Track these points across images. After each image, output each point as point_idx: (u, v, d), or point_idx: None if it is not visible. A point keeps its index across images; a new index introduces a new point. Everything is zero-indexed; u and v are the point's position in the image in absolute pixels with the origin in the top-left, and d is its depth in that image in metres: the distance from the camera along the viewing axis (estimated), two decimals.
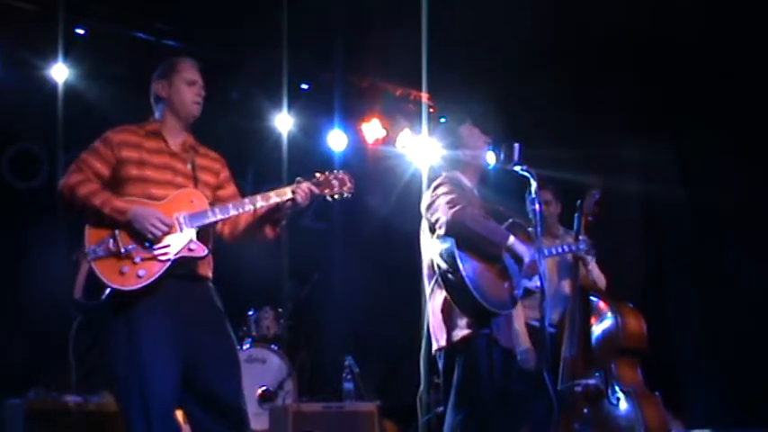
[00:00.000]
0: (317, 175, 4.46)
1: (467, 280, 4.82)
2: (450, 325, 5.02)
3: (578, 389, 5.90)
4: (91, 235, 4.19)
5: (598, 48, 7.86)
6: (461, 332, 4.97)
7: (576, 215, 6.15)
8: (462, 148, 5.29)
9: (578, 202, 6.19)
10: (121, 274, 4.13)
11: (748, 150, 7.64)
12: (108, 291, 4.14)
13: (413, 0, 7.03)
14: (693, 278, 8.21)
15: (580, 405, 5.90)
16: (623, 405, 5.86)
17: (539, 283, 4.99)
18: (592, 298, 6.18)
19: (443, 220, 4.90)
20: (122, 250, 4.14)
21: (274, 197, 4.39)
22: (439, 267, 4.96)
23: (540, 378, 4.92)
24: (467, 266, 4.85)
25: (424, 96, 9.20)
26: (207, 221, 4.32)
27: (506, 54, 7.89)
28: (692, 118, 8.11)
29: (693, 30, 7.43)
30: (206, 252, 4.32)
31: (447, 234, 4.89)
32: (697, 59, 7.75)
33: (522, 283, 5.09)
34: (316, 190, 4.42)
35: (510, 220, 5.21)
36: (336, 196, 4.48)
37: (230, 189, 4.60)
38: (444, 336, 5.04)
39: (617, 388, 5.91)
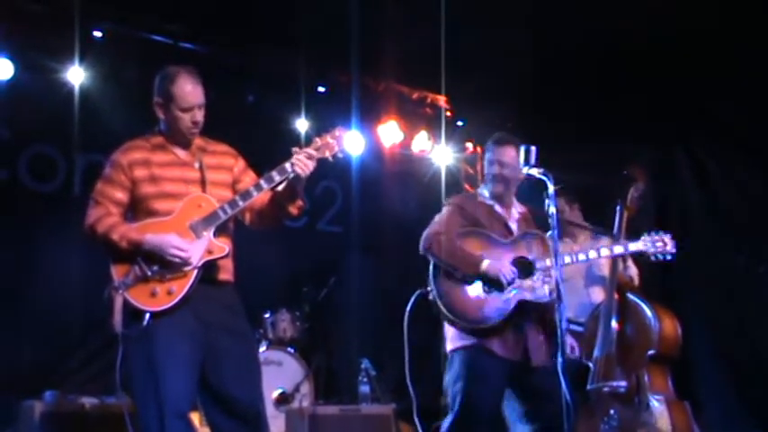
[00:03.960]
0: (317, 139, 4.50)
1: (438, 299, 5.15)
2: (448, 336, 5.32)
3: (606, 390, 5.83)
4: (117, 270, 4.29)
5: (617, 52, 7.82)
6: (453, 343, 5.25)
7: (617, 209, 6.04)
8: (488, 167, 5.49)
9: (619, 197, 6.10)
10: (153, 295, 4.24)
11: (764, 153, 7.60)
12: (147, 316, 4.22)
13: (430, 3, 7.00)
14: (708, 282, 8.16)
15: (607, 406, 5.83)
16: (652, 411, 5.76)
17: (547, 294, 5.05)
18: (630, 297, 6.01)
19: (421, 243, 5.27)
20: (148, 273, 4.24)
21: (277, 176, 4.42)
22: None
23: (555, 379, 4.92)
24: (440, 286, 5.18)
25: (442, 100, 9.19)
26: (219, 221, 4.36)
27: (525, 58, 7.86)
28: (708, 121, 8.07)
29: (711, 34, 7.39)
30: (227, 250, 4.38)
31: (423, 255, 5.26)
32: (714, 63, 7.71)
33: (518, 295, 5.13)
34: (315, 155, 4.45)
35: (522, 233, 5.33)
36: (340, 155, 4.54)
37: (249, 179, 4.58)
38: (445, 345, 5.36)
39: (647, 393, 5.79)
